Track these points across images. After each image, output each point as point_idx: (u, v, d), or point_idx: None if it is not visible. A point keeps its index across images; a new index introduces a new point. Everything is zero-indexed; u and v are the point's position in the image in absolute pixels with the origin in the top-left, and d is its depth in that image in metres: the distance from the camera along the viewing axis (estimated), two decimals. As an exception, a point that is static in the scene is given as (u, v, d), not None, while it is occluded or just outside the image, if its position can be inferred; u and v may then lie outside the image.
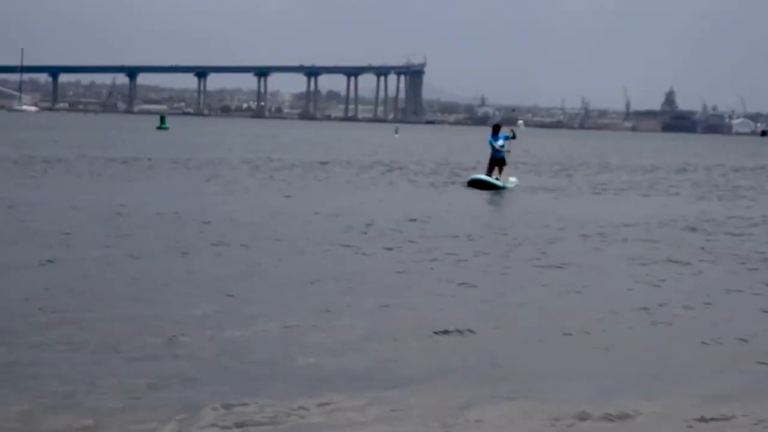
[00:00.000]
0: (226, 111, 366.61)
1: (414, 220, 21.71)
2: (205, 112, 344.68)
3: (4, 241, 16.36)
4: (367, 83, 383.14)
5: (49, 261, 14.24)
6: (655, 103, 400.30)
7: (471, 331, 10.83)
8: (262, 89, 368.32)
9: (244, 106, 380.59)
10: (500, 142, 33.42)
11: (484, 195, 30.55)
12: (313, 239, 17.85)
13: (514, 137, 33.91)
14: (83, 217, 20.37)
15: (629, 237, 20.17)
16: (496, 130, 34.14)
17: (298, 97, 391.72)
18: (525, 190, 33.46)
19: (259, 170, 39.34)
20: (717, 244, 19.46)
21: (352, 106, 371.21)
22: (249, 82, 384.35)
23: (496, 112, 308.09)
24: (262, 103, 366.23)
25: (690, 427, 7.82)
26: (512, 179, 33.98)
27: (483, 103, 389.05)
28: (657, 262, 16.70)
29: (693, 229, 22.20)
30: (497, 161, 33.68)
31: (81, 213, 21.06)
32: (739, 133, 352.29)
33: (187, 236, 17.67)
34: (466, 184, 33.64)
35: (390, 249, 17.07)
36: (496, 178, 33.16)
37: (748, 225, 23.83)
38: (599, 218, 23.91)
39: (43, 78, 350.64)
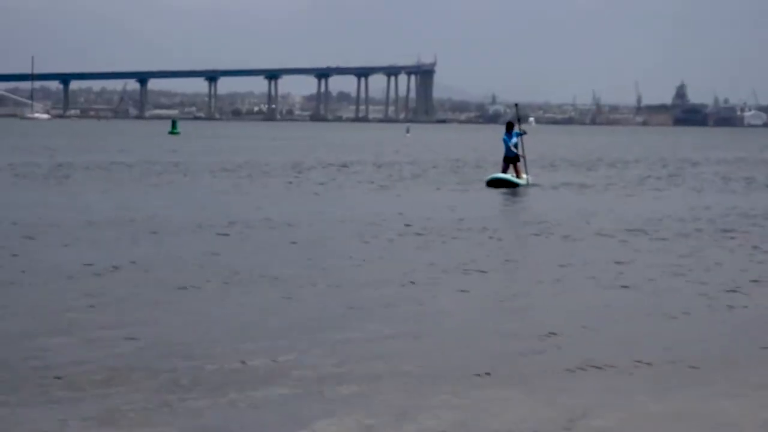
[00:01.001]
0: (237, 114, 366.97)
1: (461, 220, 21.50)
2: (217, 116, 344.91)
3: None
4: (377, 83, 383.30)
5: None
6: (667, 97, 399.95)
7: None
8: (272, 92, 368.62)
9: (255, 109, 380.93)
10: (514, 140, 33.16)
11: (508, 194, 30.26)
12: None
13: (524, 133, 33.68)
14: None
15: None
16: (509, 127, 33.84)
17: (309, 98, 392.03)
18: (546, 187, 33.30)
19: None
20: None
21: (362, 107, 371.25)
22: (260, 85, 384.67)
23: (507, 110, 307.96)
24: (273, 106, 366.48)
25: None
26: (526, 176, 33.64)
27: (494, 101, 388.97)
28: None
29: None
30: (511, 159, 33.43)
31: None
32: (751, 125, 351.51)
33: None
34: (485, 184, 33.27)
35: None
36: (512, 176, 32.94)
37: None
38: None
39: (54, 85, 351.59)
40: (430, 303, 12.29)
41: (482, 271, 14.69)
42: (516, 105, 39.63)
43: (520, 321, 11.40)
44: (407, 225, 20.59)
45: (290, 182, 34.31)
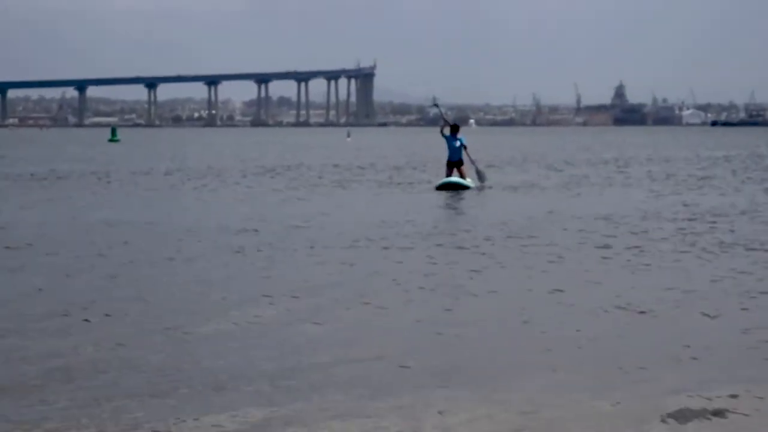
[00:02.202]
0: (177, 121, 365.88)
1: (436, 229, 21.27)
2: (157, 122, 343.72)
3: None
4: (317, 88, 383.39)
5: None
6: (606, 98, 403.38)
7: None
8: (212, 98, 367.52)
9: (196, 115, 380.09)
10: (458, 144, 32.63)
11: (459, 197, 29.88)
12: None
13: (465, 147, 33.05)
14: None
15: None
16: (455, 130, 33.25)
17: (249, 104, 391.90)
18: (496, 188, 33.10)
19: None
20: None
21: (303, 112, 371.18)
22: (200, 91, 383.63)
23: (448, 112, 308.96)
24: (214, 112, 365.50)
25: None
26: (468, 180, 33.25)
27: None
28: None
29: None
30: (455, 163, 32.91)
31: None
32: (689, 124, 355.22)
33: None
34: (435, 188, 32.68)
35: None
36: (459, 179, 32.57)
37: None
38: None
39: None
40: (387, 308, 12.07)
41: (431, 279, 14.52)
42: (435, 103, 39.48)
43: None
44: (357, 235, 20.38)
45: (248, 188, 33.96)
